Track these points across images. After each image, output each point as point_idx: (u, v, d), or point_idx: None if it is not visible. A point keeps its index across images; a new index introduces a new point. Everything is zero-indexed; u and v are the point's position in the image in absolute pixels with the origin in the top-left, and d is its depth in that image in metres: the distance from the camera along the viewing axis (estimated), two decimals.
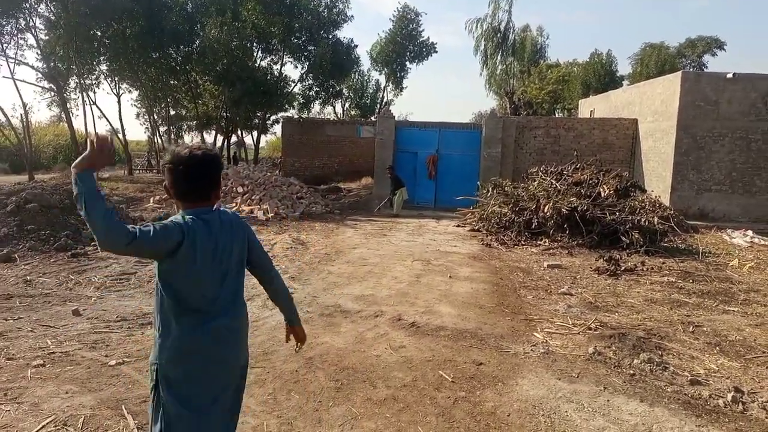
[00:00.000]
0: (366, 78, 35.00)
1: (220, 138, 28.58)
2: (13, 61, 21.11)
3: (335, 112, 34.76)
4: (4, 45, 20.23)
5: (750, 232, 12.04)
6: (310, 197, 15.70)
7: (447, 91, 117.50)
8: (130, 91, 28.53)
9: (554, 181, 11.80)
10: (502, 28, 35.59)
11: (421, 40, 31.09)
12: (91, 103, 25.31)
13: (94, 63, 23.35)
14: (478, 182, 15.01)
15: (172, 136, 29.72)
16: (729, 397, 3.92)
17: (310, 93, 27.36)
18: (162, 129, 29.03)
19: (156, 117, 27.94)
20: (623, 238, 9.96)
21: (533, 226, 10.88)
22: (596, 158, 14.14)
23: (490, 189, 12.73)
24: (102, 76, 26.36)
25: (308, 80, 26.23)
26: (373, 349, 4.77)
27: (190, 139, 44.94)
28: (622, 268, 8.28)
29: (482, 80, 38.66)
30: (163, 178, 2.14)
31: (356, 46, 26.37)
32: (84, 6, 18.69)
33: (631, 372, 4.38)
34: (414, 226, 13.10)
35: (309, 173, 21.44)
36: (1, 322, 5.23)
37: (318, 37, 23.69)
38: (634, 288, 7.35)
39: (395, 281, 7.39)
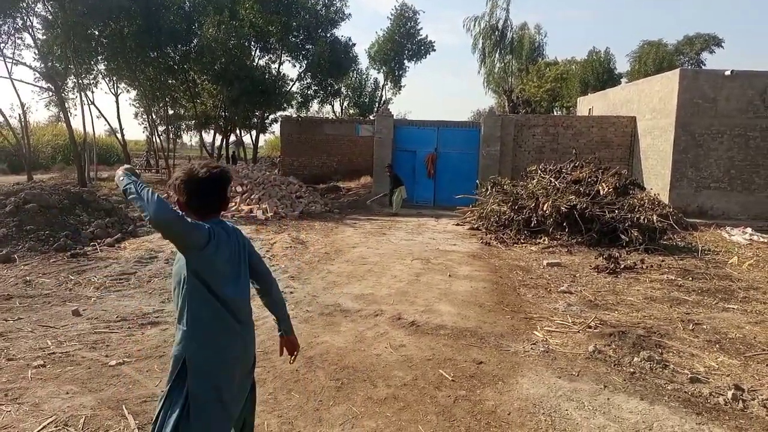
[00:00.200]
0: (364, 76, 34.94)
1: (218, 137, 28.56)
2: (11, 60, 21.04)
3: (334, 111, 34.76)
4: (2, 45, 20.14)
5: (749, 230, 12.06)
6: (309, 196, 15.70)
7: (445, 90, 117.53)
8: (128, 91, 28.39)
9: (553, 180, 11.81)
10: (500, 26, 35.56)
11: (419, 38, 31.04)
12: (90, 102, 25.19)
13: (92, 62, 23.24)
14: (477, 181, 15.01)
15: (171, 135, 29.67)
16: (729, 394, 3.93)
17: (309, 92, 27.33)
18: (161, 128, 28.96)
19: (154, 116, 27.85)
20: (622, 236, 9.97)
21: (532, 225, 10.89)
22: (595, 156, 14.16)
23: (489, 187, 12.74)
24: (100, 76, 26.24)
25: (306, 79, 26.19)
26: (373, 348, 4.77)
27: (189, 138, 44.93)
28: (622, 266, 8.30)
29: (480, 78, 38.47)
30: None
31: (354, 44, 26.31)
32: (81, 5, 18.60)
33: (631, 370, 4.39)
34: (413, 224, 13.10)
35: (308, 172, 21.42)
36: (1, 322, 5.23)
37: (316, 35, 23.64)
38: (634, 286, 7.36)
39: (395, 280, 7.39)
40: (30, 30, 20.25)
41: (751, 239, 11.34)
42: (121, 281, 7.00)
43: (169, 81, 24.19)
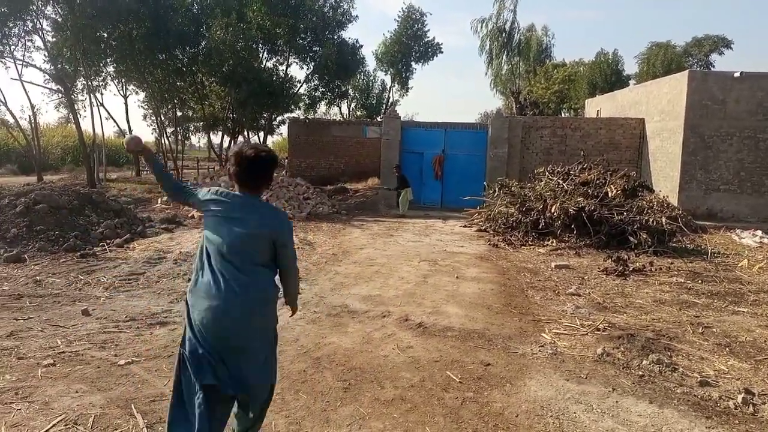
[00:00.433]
0: (371, 78, 34.97)
1: (226, 139, 28.64)
2: (21, 63, 21.24)
3: (341, 113, 34.78)
4: (12, 47, 20.34)
5: (759, 232, 11.96)
6: (317, 198, 15.73)
7: (451, 92, 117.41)
8: (137, 93, 28.64)
9: (561, 181, 11.76)
10: (507, 28, 35.45)
11: (426, 40, 31.05)
12: (99, 104, 25.42)
13: (101, 65, 23.43)
14: (485, 182, 14.97)
15: (179, 137, 29.80)
16: (739, 398, 3.89)
17: (316, 94, 27.36)
18: (169, 130, 29.11)
19: (163, 118, 27.98)
20: (631, 239, 9.92)
21: (540, 227, 10.84)
22: (603, 158, 14.06)
23: (497, 189, 12.69)
24: (109, 78, 26.48)
25: (314, 81, 26.23)
26: (380, 349, 4.77)
27: (197, 140, 45.10)
28: (631, 269, 8.25)
29: (487, 80, 38.44)
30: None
31: (361, 46, 26.41)
32: (90, 8, 18.76)
33: (640, 373, 4.36)
34: (420, 226, 13.09)
35: (315, 174, 21.46)
36: (12, 321, 5.27)
37: (323, 37, 23.69)
38: (643, 288, 7.32)
39: (402, 281, 7.39)
40: (40, 32, 20.43)
41: (761, 242, 11.25)
42: (129, 281, 7.04)
43: (178, 83, 24.31)
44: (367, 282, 7.32)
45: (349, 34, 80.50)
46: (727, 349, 5.02)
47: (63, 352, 4.50)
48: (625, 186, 11.23)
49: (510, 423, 3.52)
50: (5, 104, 29.71)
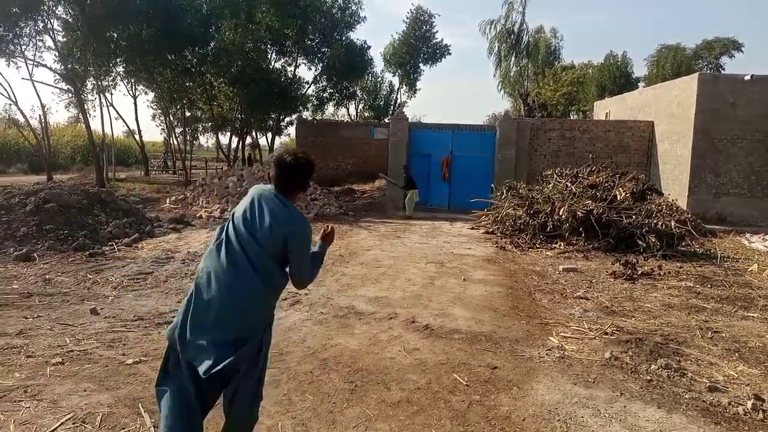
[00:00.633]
0: (379, 79, 34.97)
1: (234, 139, 28.75)
2: (32, 62, 21.45)
3: (349, 114, 34.82)
4: (23, 47, 20.55)
5: None
6: (324, 198, 15.76)
7: (459, 93, 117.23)
8: (146, 93, 28.84)
9: (569, 184, 11.71)
10: (515, 30, 35.41)
11: (434, 41, 31.05)
12: (108, 104, 25.63)
13: (111, 65, 23.62)
14: (493, 184, 14.94)
15: (188, 137, 29.95)
16: (749, 404, 3.85)
17: (324, 94, 27.42)
18: (178, 130, 29.28)
19: (172, 118, 28.17)
20: (640, 242, 9.85)
21: (548, 229, 10.79)
22: (612, 161, 13.98)
23: (505, 191, 12.66)
24: (119, 78, 26.69)
25: (322, 82, 26.29)
26: (387, 351, 4.77)
27: (206, 140, 45.31)
28: (639, 272, 8.20)
29: (495, 82, 38.37)
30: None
31: (369, 47, 26.38)
32: (101, 8, 18.93)
33: (648, 378, 4.33)
34: (428, 228, 13.08)
35: (323, 174, 21.47)
36: (21, 320, 5.32)
37: (331, 38, 23.75)
38: (651, 292, 7.27)
39: (409, 283, 7.38)
40: (51, 32, 20.64)
41: None
42: (138, 281, 7.08)
43: (187, 83, 24.46)
44: (374, 283, 7.32)
45: (358, 35, 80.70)
46: (736, 354, 4.97)
47: (71, 350, 4.53)
48: (634, 189, 11.16)
49: (517, 427, 3.51)
50: (16, 104, 30.06)
